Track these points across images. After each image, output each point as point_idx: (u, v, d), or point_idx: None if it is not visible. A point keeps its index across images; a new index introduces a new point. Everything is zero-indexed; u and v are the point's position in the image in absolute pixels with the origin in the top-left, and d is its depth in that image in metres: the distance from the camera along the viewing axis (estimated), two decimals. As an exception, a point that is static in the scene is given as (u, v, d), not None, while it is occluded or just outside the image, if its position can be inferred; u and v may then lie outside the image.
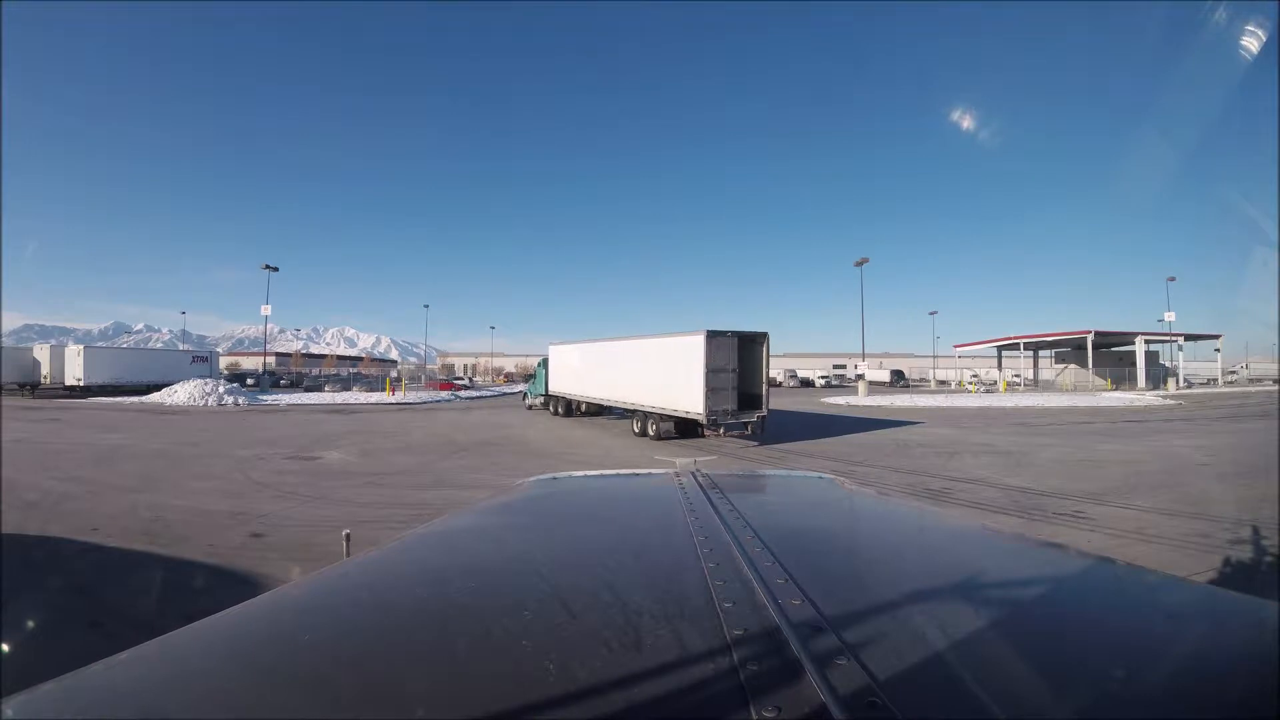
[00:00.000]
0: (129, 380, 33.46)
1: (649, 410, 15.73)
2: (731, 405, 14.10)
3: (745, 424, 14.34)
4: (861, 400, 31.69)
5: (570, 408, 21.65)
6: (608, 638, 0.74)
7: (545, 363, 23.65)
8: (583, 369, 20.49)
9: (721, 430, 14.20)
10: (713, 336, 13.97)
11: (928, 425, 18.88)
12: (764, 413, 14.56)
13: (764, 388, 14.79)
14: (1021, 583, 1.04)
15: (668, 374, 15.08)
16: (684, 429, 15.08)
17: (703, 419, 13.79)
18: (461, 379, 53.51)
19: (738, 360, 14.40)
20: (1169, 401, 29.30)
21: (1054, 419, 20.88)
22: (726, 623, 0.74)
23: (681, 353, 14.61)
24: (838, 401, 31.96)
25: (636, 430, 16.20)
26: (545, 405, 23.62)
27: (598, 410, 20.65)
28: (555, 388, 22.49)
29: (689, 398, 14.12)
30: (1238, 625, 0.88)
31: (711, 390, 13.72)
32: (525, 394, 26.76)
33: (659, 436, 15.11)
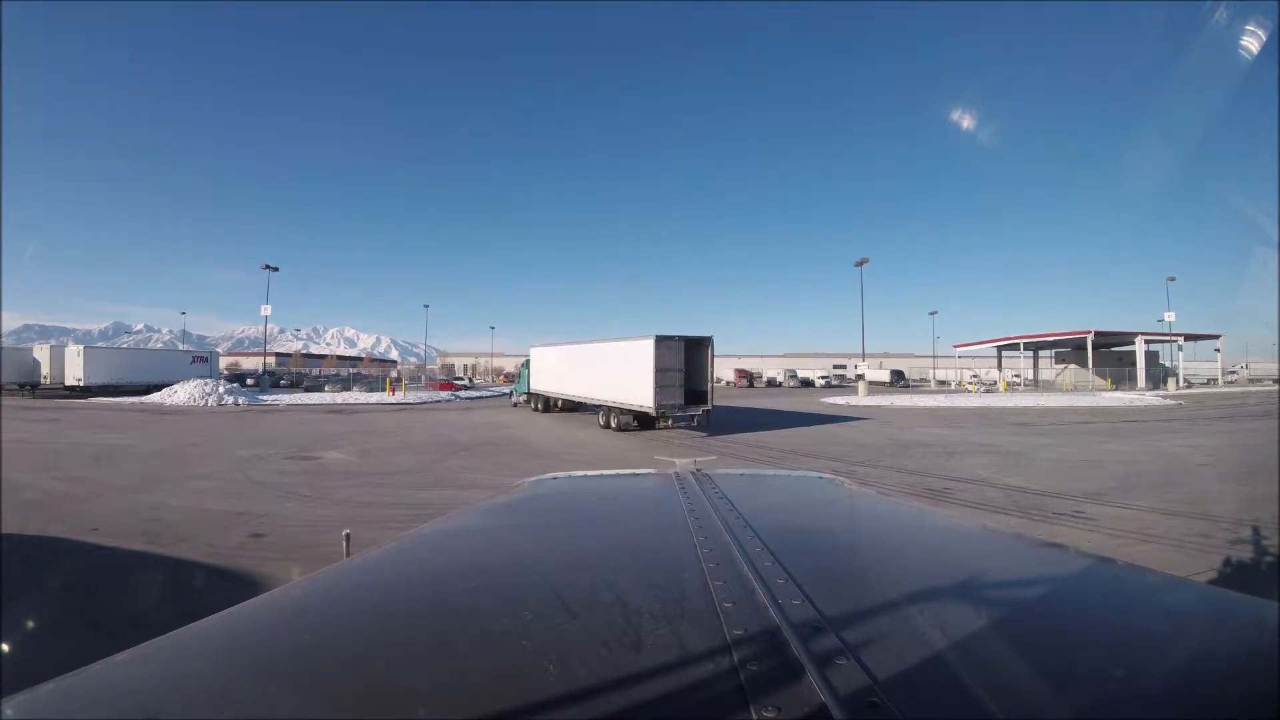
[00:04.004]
0: (129, 380, 33.44)
1: (610, 405, 17.64)
2: (678, 400, 16.20)
3: (691, 416, 16.53)
4: (861, 400, 31.68)
5: (548, 404, 23.55)
6: (608, 638, 0.74)
7: (529, 363, 25.45)
8: (558, 369, 22.28)
9: (669, 422, 16.28)
10: (661, 340, 15.96)
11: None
12: (708, 407, 16.67)
13: (709, 385, 16.84)
14: (1021, 583, 1.04)
15: (624, 373, 16.92)
16: (644, 421, 16.82)
17: (652, 411, 15.75)
18: (461, 379, 53.41)
19: (684, 361, 16.48)
20: (1169, 401, 29.29)
21: (1054, 418, 20.86)
22: (726, 623, 0.74)
23: (635, 354, 16.50)
24: (837, 401, 31.95)
25: (601, 423, 18.07)
26: (528, 402, 25.36)
27: (574, 407, 22.35)
28: (535, 386, 24.27)
29: (641, 394, 16.07)
30: (1238, 625, 0.88)
31: (660, 387, 15.71)
32: (512, 392, 28.94)
33: (619, 428, 16.95)
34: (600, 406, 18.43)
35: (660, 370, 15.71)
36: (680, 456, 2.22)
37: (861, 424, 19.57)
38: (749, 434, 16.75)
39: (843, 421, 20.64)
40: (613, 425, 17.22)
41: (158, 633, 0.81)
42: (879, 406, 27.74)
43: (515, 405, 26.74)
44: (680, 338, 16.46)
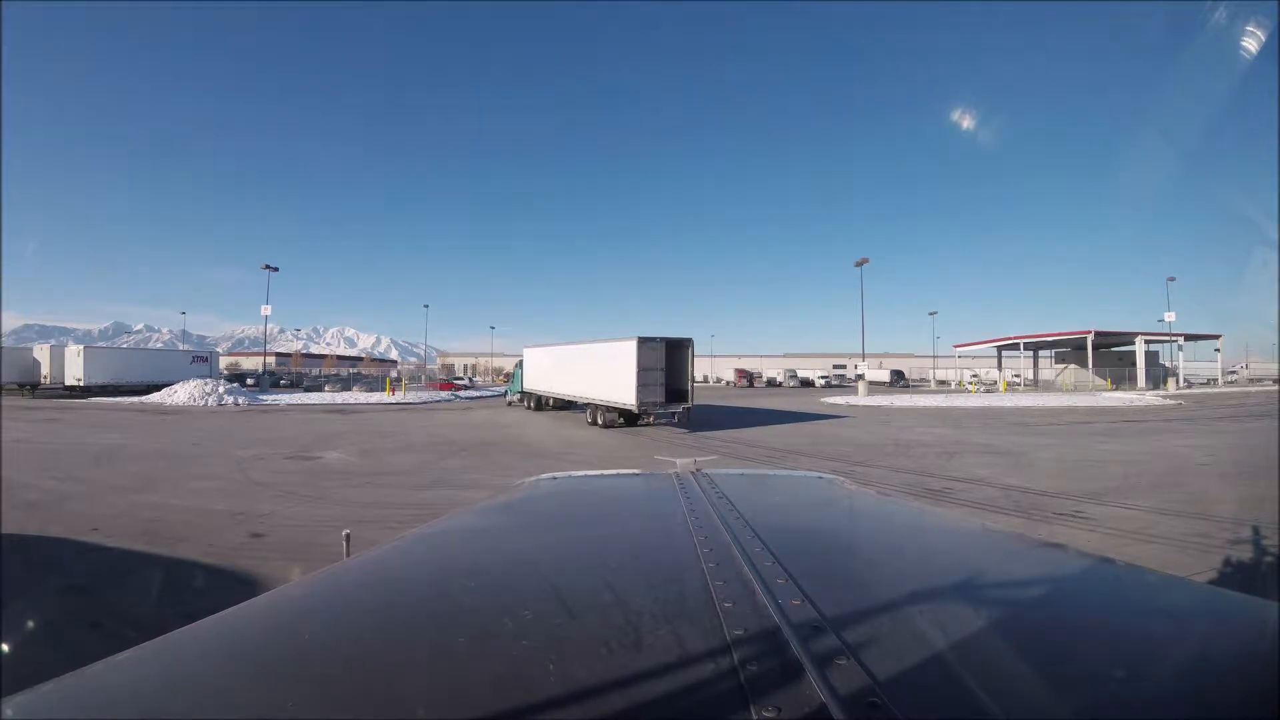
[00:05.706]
0: (129, 380, 33.42)
1: (598, 403, 18.35)
2: (659, 398, 17.04)
3: (673, 414, 17.45)
4: (861, 400, 31.70)
5: (540, 403, 24.28)
6: (608, 638, 0.73)
7: (522, 363, 26.31)
8: (550, 369, 23.14)
9: (651, 419, 17.20)
10: (643, 342, 16.81)
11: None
12: (689, 405, 17.74)
13: (689, 384, 17.78)
14: (1021, 583, 1.04)
15: (610, 373, 17.70)
16: (629, 418, 17.60)
17: (635, 408, 16.62)
18: (461, 379, 53.42)
19: (665, 361, 17.30)
20: (1169, 401, 29.29)
21: (1054, 418, 20.85)
22: (726, 623, 0.74)
23: (620, 355, 17.27)
24: (837, 401, 31.96)
25: (589, 420, 18.75)
26: (522, 401, 26.14)
27: (564, 405, 22.93)
28: (528, 385, 25.13)
29: (625, 392, 16.88)
30: (1238, 625, 0.88)
31: (642, 385, 16.55)
32: (507, 391, 29.66)
33: (606, 425, 17.73)
34: (589, 404, 19.03)
35: (642, 370, 16.55)
36: (668, 454, 2.23)
37: (861, 423, 19.64)
38: (738, 431, 17.07)
39: (842, 420, 20.75)
40: (600, 422, 17.93)
41: (157, 633, 0.81)
42: (879, 406, 27.75)
43: (510, 404, 27.55)
44: (661, 339, 17.27)
